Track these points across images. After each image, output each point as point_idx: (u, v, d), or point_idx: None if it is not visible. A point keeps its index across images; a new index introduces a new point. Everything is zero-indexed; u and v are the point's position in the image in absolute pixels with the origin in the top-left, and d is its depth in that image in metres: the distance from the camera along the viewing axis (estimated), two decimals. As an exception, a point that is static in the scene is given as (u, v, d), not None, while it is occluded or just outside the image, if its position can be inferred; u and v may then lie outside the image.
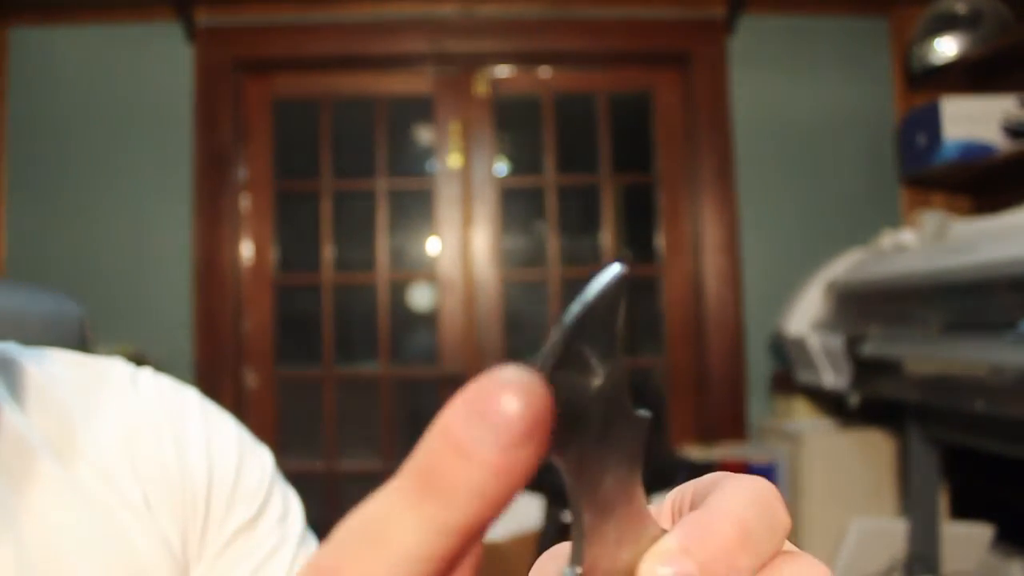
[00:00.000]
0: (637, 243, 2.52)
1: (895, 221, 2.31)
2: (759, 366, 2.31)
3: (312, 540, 0.56)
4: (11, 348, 0.51)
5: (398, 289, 2.48)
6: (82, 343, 0.67)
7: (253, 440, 0.56)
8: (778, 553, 0.20)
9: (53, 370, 0.51)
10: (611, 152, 2.45)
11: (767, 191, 2.35)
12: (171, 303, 2.29)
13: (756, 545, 0.19)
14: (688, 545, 0.18)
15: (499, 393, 0.15)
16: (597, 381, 0.18)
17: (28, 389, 0.49)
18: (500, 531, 2.02)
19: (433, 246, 2.43)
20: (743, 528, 0.19)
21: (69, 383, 0.51)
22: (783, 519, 0.20)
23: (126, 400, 0.52)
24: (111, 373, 0.53)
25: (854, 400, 1.87)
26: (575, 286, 2.48)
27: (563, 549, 0.22)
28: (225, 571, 0.51)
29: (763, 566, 0.20)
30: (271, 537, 0.53)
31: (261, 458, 0.55)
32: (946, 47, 2.15)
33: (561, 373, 0.17)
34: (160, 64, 2.34)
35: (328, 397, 2.38)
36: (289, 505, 0.55)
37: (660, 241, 2.44)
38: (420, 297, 2.51)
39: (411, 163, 2.53)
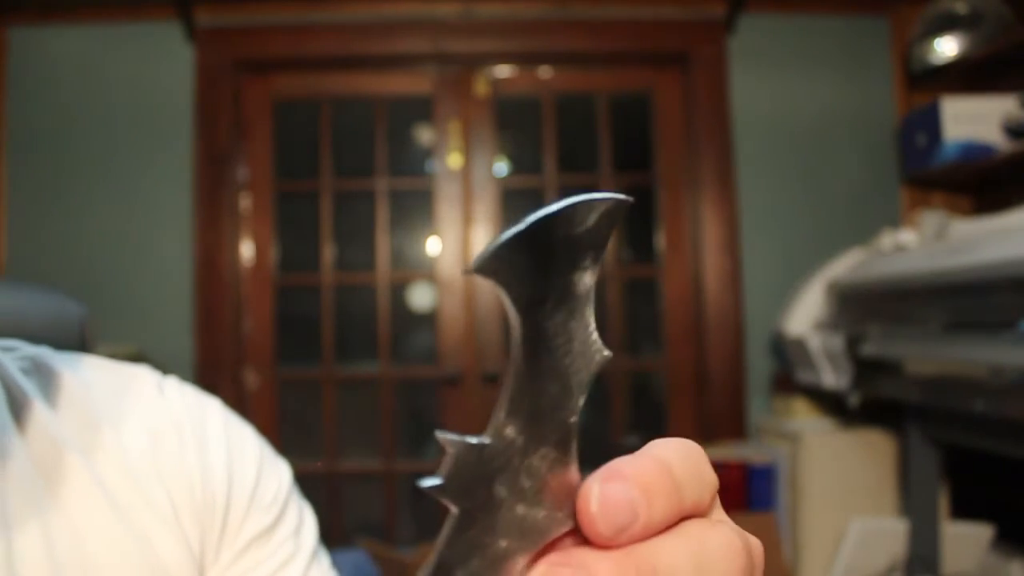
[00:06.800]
0: (637, 243, 2.52)
1: (895, 221, 2.31)
2: (759, 366, 2.31)
3: (324, 556, 0.57)
4: (45, 353, 0.53)
5: (398, 289, 2.48)
6: (82, 343, 0.67)
7: (273, 453, 0.58)
8: (705, 507, 0.23)
9: (85, 375, 0.52)
10: (611, 152, 2.45)
11: (767, 191, 2.35)
12: (171, 303, 2.28)
13: (677, 480, 0.21)
14: (628, 474, 0.21)
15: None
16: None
17: (61, 392, 0.50)
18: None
19: (433, 246, 2.43)
20: (665, 464, 0.21)
21: (100, 388, 0.52)
22: (709, 473, 0.23)
23: (152, 406, 0.53)
24: (138, 379, 0.55)
25: (854, 400, 1.87)
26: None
27: None
28: None
29: (687, 507, 0.22)
30: (285, 547, 0.54)
31: (279, 471, 0.57)
32: (946, 47, 2.15)
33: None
34: (160, 64, 2.33)
35: (328, 397, 2.38)
36: (304, 519, 0.57)
37: (660, 241, 2.44)
38: (420, 297, 2.51)
39: (411, 163, 2.53)
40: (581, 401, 0.21)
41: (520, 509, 0.20)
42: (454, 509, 0.20)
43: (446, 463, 0.20)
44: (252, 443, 0.56)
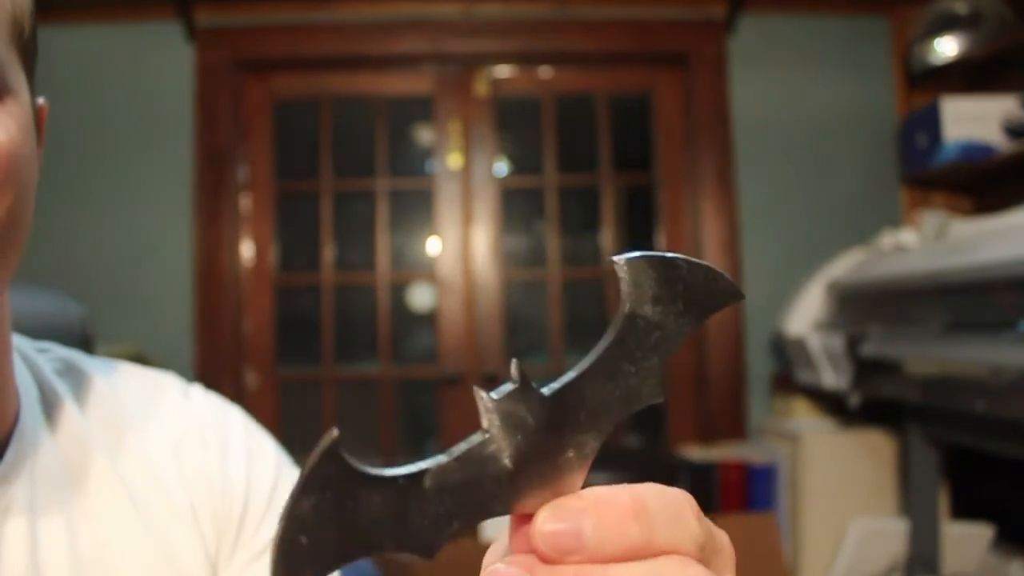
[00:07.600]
0: (637, 243, 2.52)
1: (895, 221, 2.31)
2: (759, 366, 2.31)
3: None
4: (76, 355, 0.54)
5: (398, 289, 2.48)
6: (83, 343, 0.67)
7: (291, 462, 0.59)
8: (687, 552, 0.22)
9: (114, 379, 0.54)
10: (611, 152, 2.45)
11: (767, 191, 2.35)
12: (171, 303, 2.28)
13: (650, 521, 0.21)
14: (586, 506, 0.21)
15: None
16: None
17: (91, 394, 0.52)
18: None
19: (433, 246, 2.43)
20: (640, 504, 0.21)
21: (128, 392, 0.54)
22: (690, 523, 0.22)
23: (177, 411, 0.55)
24: (164, 385, 0.56)
25: (854, 400, 1.87)
26: (575, 286, 2.48)
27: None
28: None
29: (660, 545, 0.21)
30: None
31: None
32: (946, 47, 2.15)
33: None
34: (160, 64, 2.33)
35: (328, 397, 2.38)
36: None
37: (660, 241, 2.44)
38: (420, 297, 2.51)
39: (411, 163, 2.53)
40: (621, 416, 0.23)
41: (522, 477, 0.21)
42: (475, 440, 0.21)
43: (511, 394, 0.21)
44: (271, 450, 0.58)
